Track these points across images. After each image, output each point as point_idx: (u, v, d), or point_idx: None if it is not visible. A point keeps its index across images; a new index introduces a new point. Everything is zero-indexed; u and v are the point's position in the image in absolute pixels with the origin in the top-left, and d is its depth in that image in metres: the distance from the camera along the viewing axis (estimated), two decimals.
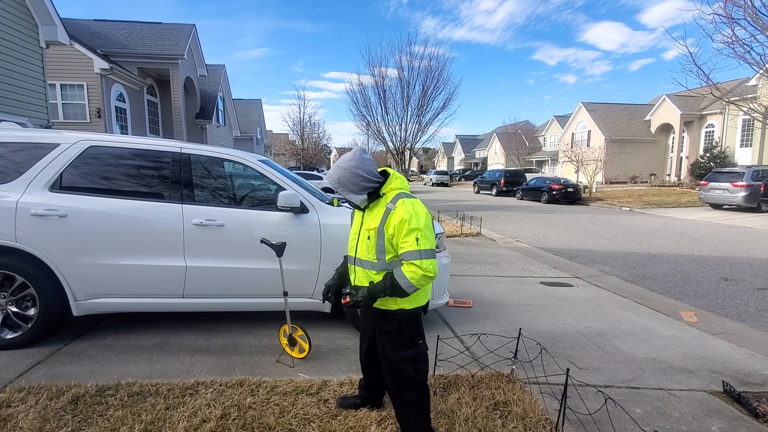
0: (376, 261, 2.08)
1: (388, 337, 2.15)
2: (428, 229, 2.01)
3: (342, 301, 2.09)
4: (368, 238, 2.08)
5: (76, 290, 3.35)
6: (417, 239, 1.94)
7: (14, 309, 3.29)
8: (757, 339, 4.12)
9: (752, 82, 22.18)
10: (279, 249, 3.06)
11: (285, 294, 3.17)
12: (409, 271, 1.95)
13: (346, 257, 2.42)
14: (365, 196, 2.09)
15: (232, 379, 2.85)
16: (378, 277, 2.08)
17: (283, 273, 3.20)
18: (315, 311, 3.76)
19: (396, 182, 2.13)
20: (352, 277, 2.26)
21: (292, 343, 3.18)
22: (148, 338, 3.58)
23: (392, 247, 2.04)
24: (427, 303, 3.75)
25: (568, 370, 2.51)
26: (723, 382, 3.04)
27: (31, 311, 3.31)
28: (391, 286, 1.98)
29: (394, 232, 1.99)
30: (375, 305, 2.10)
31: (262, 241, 3.07)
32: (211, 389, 2.72)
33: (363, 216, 2.18)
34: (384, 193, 2.10)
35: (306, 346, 3.15)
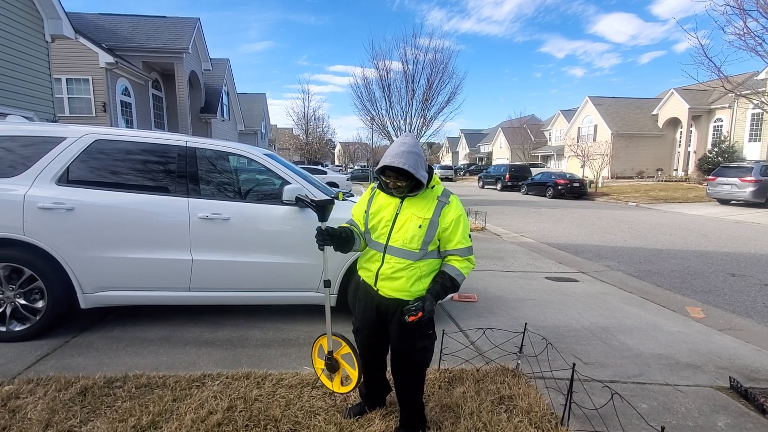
0: (417, 251, 2.05)
1: (409, 328, 2.09)
2: None
3: (409, 319, 1.96)
4: (419, 226, 2.03)
5: (83, 283, 3.38)
6: (469, 236, 2.11)
7: (22, 301, 3.32)
8: (764, 335, 4.09)
9: (761, 76, 21.87)
10: (321, 211, 2.21)
11: (327, 284, 2.25)
12: (464, 267, 2.08)
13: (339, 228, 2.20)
14: (425, 175, 2.06)
15: (238, 371, 2.87)
16: (413, 266, 2.06)
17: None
18: (320, 305, 3.77)
19: (437, 177, 2.17)
20: (372, 267, 2.15)
21: (332, 367, 2.16)
22: (154, 331, 3.61)
23: (437, 240, 2.09)
24: None
25: (574, 365, 2.50)
26: (730, 377, 3.03)
27: (39, 304, 3.34)
28: (453, 286, 2.07)
29: (449, 226, 2.05)
30: (406, 298, 2.07)
31: (297, 199, 2.26)
32: (218, 381, 2.73)
33: (402, 203, 2.09)
34: (433, 186, 2.12)
35: (354, 373, 2.10)
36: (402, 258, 2.06)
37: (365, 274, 2.20)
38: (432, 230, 2.04)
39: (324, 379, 2.20)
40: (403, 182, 2.00)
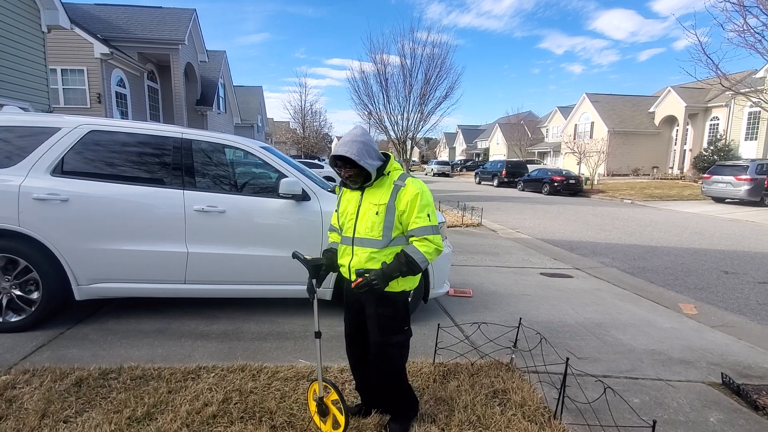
0: (380, 238, 2.06)
1: (382, 320, 2.12)
2: (434, 207, 2.13)
3: (353, 283, 2.02)
4: (376, 213, 2.06)
5: (78, 275, 3.37)
6: (428, 215, 2.05)
7: (18, 292, 3.31)
8: (756, 332, 4.13)
9: (760, 74, 21.92)
10: (313, 268, 2.21)
11: (317, 335, 2.24)
12: (423, 246, 2.02)
13: (327, 252, 2.32)
14: (380, 164, 2.10)
15: (234, 364, 2.88)
16: (380, 255, 2.07)
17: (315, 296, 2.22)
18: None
19: (396, 164, 2.18)
20: (345, 261, 2.18)
21: (323, 412, 2.22)
22: (150, 323, 3.60)
23: (400, 225, 2.08)
24: (428, 292, 3.82)
25: (567, 359, 2.52)
26: (722, 374, 3.06)
27: (35, 295, 3.33)
28: (407, 263, 2.01)
29: (406, 208, 2.04)
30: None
31: (294, 256, 2.26)
32: (213, 374, 2.74)
33: (362, 195, 2.14)
34: (389, 172, 2.13)
35: (342, 419, 2.13)
36: (367, 247, 2.09)
37: (342, 270, 2.23)
38: (390, 215, 2.05)
39: (317, 420, 2.28)
40: (352, 171, 2.05)
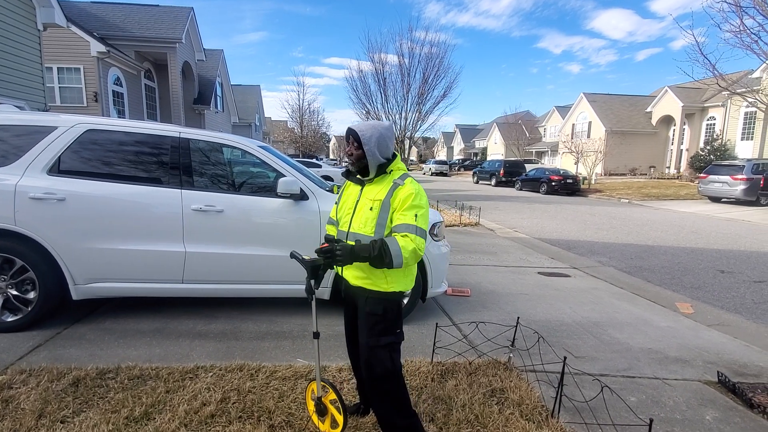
0: (372, 234, 2.01)
1: (372, 320, 2.05)
2: (427, 212, 2.06)
3: (319, 247, 1.94)
4: (371, 209, 2.02)
5: (75, 274, 3.35)
6: (416, 215, 1.98)
7: (14, 292, 3.30)
8: (752, 331, 4.16)
9: (756, 74, 22.02)
10: (312, 269, 2.07)
11: (316, 335, 2.20)
12: (402, 240, 1.92)
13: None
14: (383, 161, 2.09)
15: (232, 363, 2.87)
16: None
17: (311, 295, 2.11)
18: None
19: (401, 164, 2.17)
20: None
21: (322, 411, 2.20)
22: (147, 323, 3.60)
23: (390, 222, 2.04)
24: (426, 291, 3.82)
25: (565, 358, 2.53)
26: (718, 372, 3.08)
27: (31, 295, 3.32)
28: (379, 249, 1.88)
29: (398, 206, 2.00)
30: (367, 286, 2.03)
31: (292, 256, 2.16)
32: (211, 373, 2.74)
33: (362, 190, 2.12)
34: (391, 170, 2.11)
35: (340, 419, 2.12)
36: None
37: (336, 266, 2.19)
38: (384, 212, 2.01)
39: (315, 420, 2.26)
40: (354, 151, 2.06)
